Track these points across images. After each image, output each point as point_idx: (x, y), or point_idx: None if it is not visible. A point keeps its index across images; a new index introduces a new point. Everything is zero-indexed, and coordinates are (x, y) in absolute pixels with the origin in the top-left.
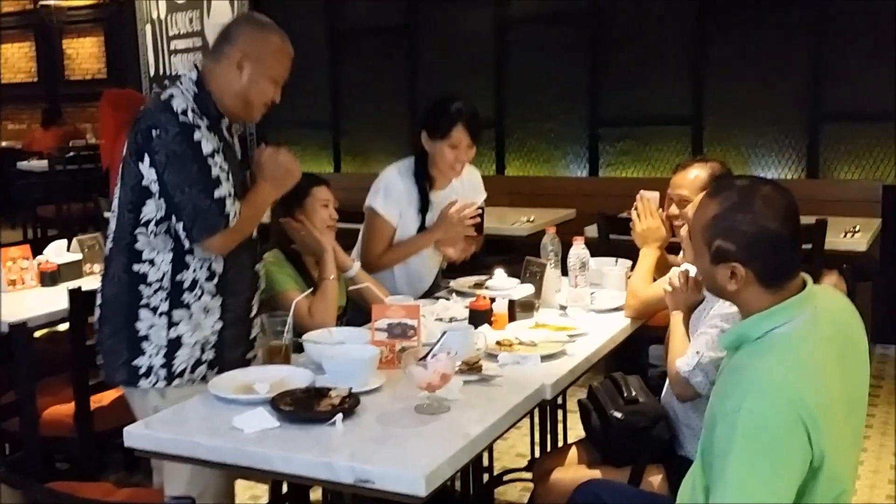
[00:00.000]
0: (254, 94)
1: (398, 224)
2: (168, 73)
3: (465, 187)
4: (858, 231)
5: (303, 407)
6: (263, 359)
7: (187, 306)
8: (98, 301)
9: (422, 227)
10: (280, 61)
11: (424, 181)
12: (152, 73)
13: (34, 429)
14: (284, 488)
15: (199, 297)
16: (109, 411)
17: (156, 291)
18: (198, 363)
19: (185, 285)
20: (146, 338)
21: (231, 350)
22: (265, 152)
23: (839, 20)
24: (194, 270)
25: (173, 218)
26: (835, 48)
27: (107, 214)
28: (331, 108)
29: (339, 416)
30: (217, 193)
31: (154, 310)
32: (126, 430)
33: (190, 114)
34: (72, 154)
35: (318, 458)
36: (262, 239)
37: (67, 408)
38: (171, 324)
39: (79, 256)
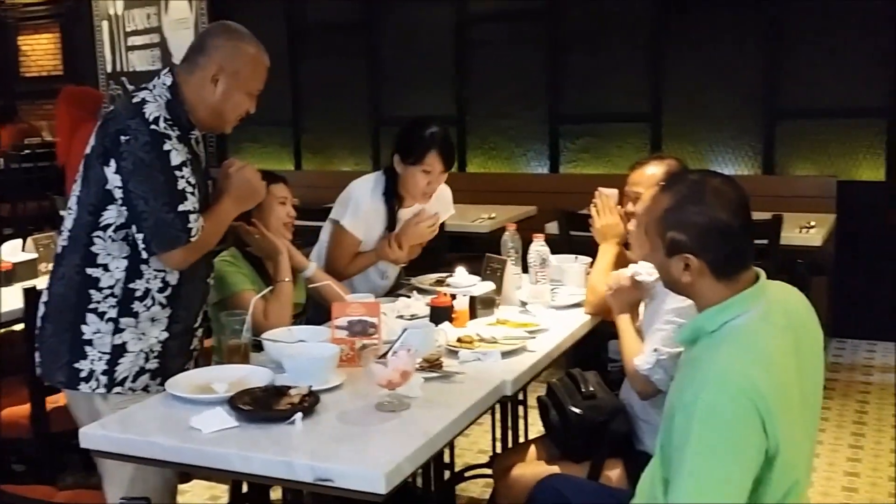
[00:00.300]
0: (228, 108)
1: (364, 238)
2: (125, 69)
3: (433, 205)
4: (814, 227)
5: (262, 406)
6: (222, 358)
7: (135, 315)
8: (44, 298)
9: None
10: (256, 74)
11: (393, 200)
12: (109, 69)
13: None
14: (245, 488)
15: (149, 308)
16: (66, 412)
17: (106, 297)
18: (140, 372)
19: (137, 294)
20: (90, 342)
21: (174, 360)
22: (233, 166)
23: (794, 19)
24: (148, 280)
25: (133, 227)
26: (790, 46)
27: (62, 212)
28: (291, 106)
29: (299, 414)
30: (181, 207)
31: (101, 315)
32: (82, 430)
33: (161, 123)
34: (27, 152)
35: (278, 458)
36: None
37: (23, 409)
38: (117, 330)
39: (34, 255)
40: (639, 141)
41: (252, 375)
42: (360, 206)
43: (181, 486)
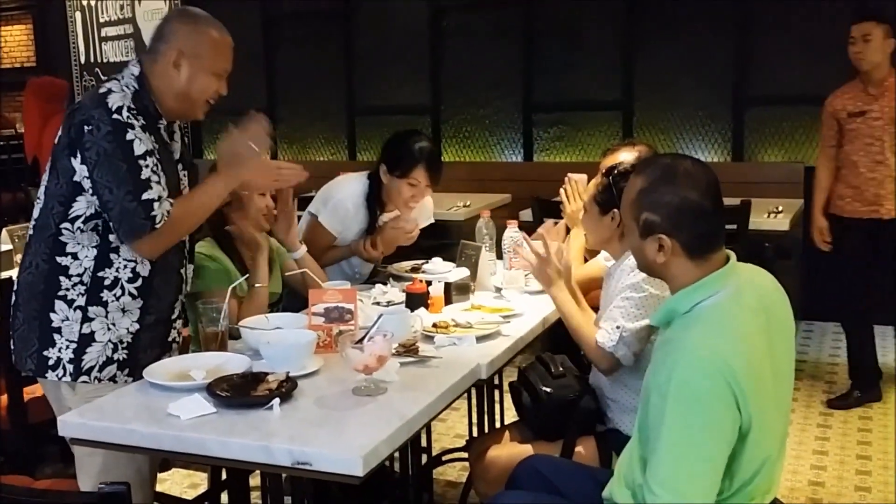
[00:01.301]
0: (194, 91)
1: (339, 236)
2: (99, 60)
3: (414, 212)
4: (781, 212)
5: (240, 392)
6: (200, 346)
7: (105, 304)
8: (14, 287)
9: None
10: (219, 54)
11: (376, 206)
12: (83, 60)
13: None
14: (223, 475)
15: (119, 298)
16: (43, 403)
17: (75, 285)
18: (108, 362)
19: (106, 283)
20: (58, 330)
21: (145, 352)
22: (225, 139)
23: (763, 8)
24: (117, 269)
25: (105, 216)
26: (758, 34)
27: None
28: (266, 96)
29: (277, 400)
30: (145, 196)
31: (70, 303)
32: (60, 419)
33: (125, 112)
34: (1, 143)
35: (256, 442)
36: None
37: None
38: (86, 319)
39: (9, 247)
40: (611, 129)
41: (230, 362)
42: (339, 207)
43: (160, 475)
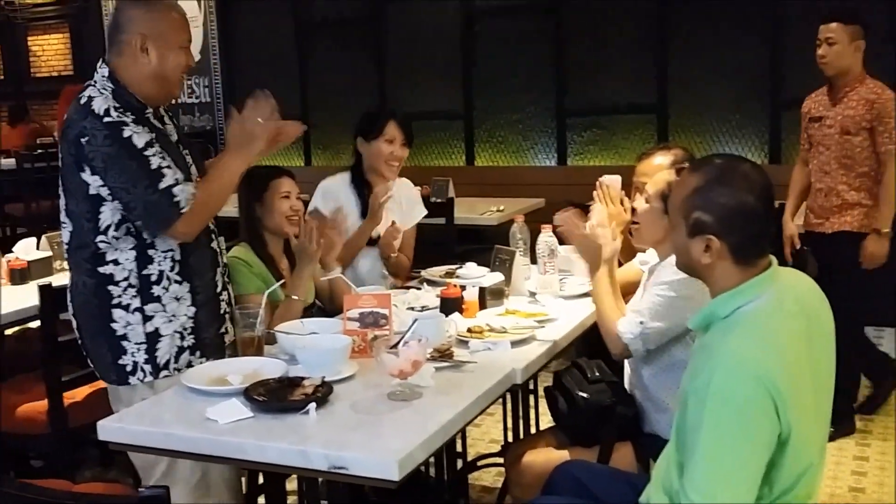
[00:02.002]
0: (169, 69)
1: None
2: None
3: (403, 202)
4: None
5: (276, 397)
6: (237, 351)
7: (158, 299)
8: (70, 311)
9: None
10: (180, 26)
11: (363, 188)
12: None
13: None
14: (261, 479)
15: (168, 288)
16: (83, 407)
17: (125, 290)
18: (180, 351)
19: (153, 279)
20: (124, 336)
21: (207, 330)
22: (232, 120)
23: (796, 9)
24: (159, 263)
25: (131, 216)
26: (793, 34)
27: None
28: (299, 102)
29: (313, 404)
30: (162, 184)
31: (126, 307)
32: (100, 424)
33: (113, 112)
34: (40, 152)
35: (293, 447)
36: (232, 233)
37: (41, 405)
38: (146, 318)
39: (48, 253)
40: (645, 132)
41: (266, 367)
42: (328, 189)
43: None
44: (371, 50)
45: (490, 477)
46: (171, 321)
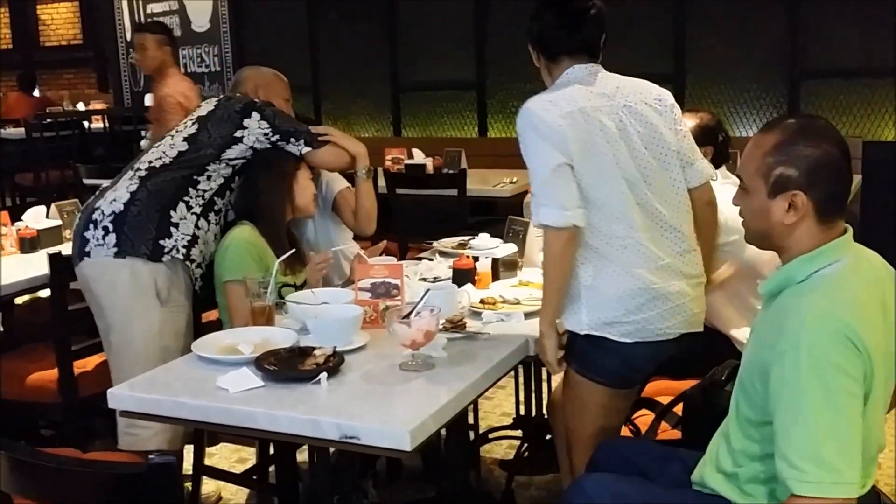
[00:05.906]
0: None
1: None
2: None
3: (323, 186)
4: None
5: (287, 366)
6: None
7: (208, 222)
8: (131, 189)
9: None
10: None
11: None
12: (129, 37)
13: None
14: (271, 450)
15: (217, 224)
16: (93, 376)
17: (197, 196)
18: (203, 262)
19: (215, 207)
20: (176, 225)
21: None
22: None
23: None
24: (226, 205)
25: (249, 154)
26: (813, 4)
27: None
28: (310, 72)
29: (324, 374)
30: (308, 128)
31: (189, 207)
32: (110, 391)
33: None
34: (49, 121)
35: (304, 416)
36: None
37: (51, 374)
38: (197, 225)
39: (58, 222)
40: None
41: (277, 336)
42: None
43: (209, 449)
44: (382, 19)
45: (501, 450)
46: (205, 244)
